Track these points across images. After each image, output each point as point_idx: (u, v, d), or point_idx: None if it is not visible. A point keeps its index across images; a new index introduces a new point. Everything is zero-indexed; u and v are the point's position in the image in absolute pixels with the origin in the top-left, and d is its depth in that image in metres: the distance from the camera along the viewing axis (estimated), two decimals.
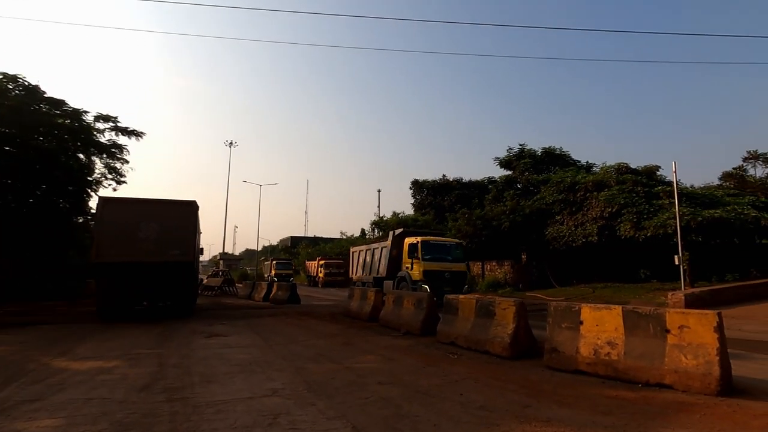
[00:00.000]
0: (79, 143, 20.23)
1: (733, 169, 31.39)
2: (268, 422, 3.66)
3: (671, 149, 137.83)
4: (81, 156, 21.04)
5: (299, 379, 5.25)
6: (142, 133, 21.41)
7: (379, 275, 17.88)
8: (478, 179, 37.87)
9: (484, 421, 3.75)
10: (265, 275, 43.66)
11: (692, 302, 12.75)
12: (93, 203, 21.41)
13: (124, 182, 22.01)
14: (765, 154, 30.51)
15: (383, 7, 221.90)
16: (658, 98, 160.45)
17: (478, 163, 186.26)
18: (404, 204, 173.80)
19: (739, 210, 18.19)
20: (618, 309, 5.30)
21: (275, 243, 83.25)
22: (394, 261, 17.11)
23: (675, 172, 15.42)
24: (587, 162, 31.07)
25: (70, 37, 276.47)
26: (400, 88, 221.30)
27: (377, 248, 18.83)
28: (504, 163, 32.28)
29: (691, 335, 4.60)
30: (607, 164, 26.17)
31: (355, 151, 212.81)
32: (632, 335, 5.06)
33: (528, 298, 18.69)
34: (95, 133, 20.45)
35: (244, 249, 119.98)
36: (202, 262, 33.94)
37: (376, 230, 41.54)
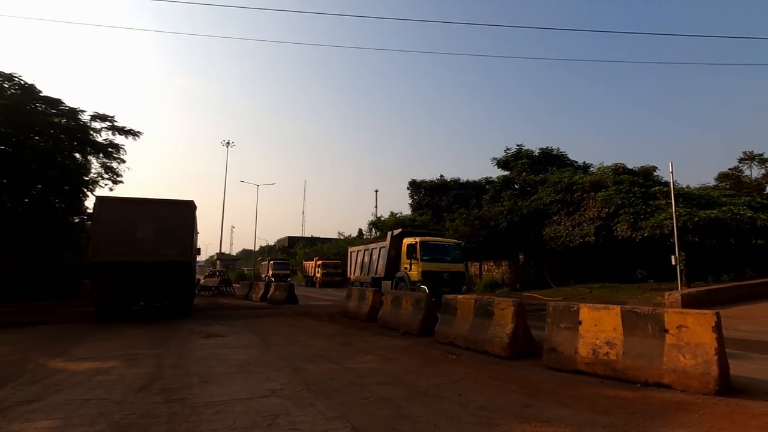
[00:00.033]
0: (75, 142, 20.16)
1: (729, 169, 31.66)
2: (267, 423, 3.64)
3: (668, 149, 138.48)
4: (77, 155, 20.94)
5: (298, 379, 5.23)
6: (139, 132, 21.40)
7: (377, 276, 17.87)
8: (476, 179, 37.99)
9: (483, 421, 3.75)
10: (263, 275, 43.55)
11: (689, 302, 12.82)
12: (89, 203, 21.39)
13: (120, 182, 22.04)
14: (761, 155, 30.69)
15: (382, 7, 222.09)
16: (655, 99, 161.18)
17: (476, 164, 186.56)
18: (402, 204, 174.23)
19: (735, 210, 18.31)
20: (616, 309, 5.31)
21: (272, 243, 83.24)
22: (393, 261, 17.11)
23: (672, 172, 15.46)
24: (584, 162, 31.27)
25: (69, 36, 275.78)
26: (398, 88, 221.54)
27: (375, 248, 18.82)
28: (501, 164, 32.34)
29: (690, 335, 4.62)
30: (604, 165, 26.29)
31: (352, 151, 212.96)
32: (631, 335, 5.08)
33: (525, 298, 18.69)
34: (92, 132, 20.37)
35: (241, 249, 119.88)
36: (199, 262, 33.86)
37: (373, 230, 41.55)
